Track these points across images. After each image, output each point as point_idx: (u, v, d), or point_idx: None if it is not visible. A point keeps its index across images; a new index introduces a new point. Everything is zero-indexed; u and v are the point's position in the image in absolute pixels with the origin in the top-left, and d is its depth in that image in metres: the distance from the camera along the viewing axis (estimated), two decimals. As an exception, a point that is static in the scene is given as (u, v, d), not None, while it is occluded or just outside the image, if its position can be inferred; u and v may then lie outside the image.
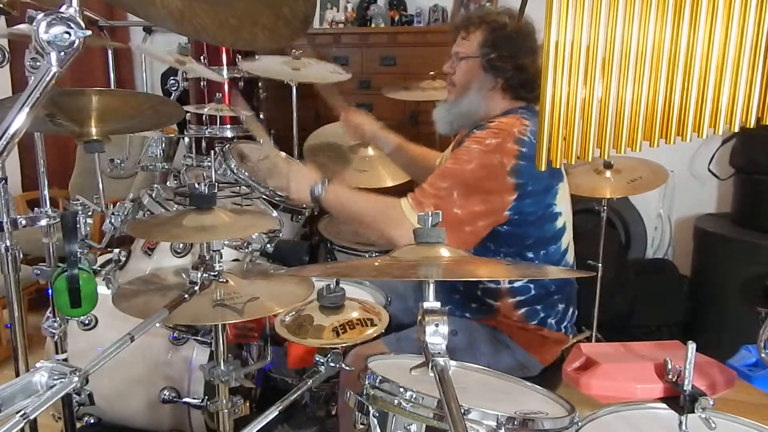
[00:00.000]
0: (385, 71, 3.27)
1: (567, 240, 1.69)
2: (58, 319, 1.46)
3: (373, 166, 2.49)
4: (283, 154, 1.87)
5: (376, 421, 1.04)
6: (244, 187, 2.05)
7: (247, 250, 1.71)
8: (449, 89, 1.76)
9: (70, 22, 0.72)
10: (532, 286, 1.64)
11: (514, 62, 1.62)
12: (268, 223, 1.43)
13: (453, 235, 1.49)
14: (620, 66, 0.83)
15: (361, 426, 1.07)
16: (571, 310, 1.73)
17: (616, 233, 3.10)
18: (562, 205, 1.65)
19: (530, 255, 1.63)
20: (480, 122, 1.67)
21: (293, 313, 1.36)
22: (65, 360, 1.48)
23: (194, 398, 1.79)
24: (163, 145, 2.53)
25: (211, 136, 3.02)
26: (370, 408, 1.05)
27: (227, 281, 1.27)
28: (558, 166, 0.87)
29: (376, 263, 1.04)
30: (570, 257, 1.71)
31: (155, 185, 2.00)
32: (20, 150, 3.40)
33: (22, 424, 0.82)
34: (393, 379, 1.04)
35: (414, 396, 1.01)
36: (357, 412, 1.08)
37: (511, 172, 1.53)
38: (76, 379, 0.89)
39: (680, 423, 1.00)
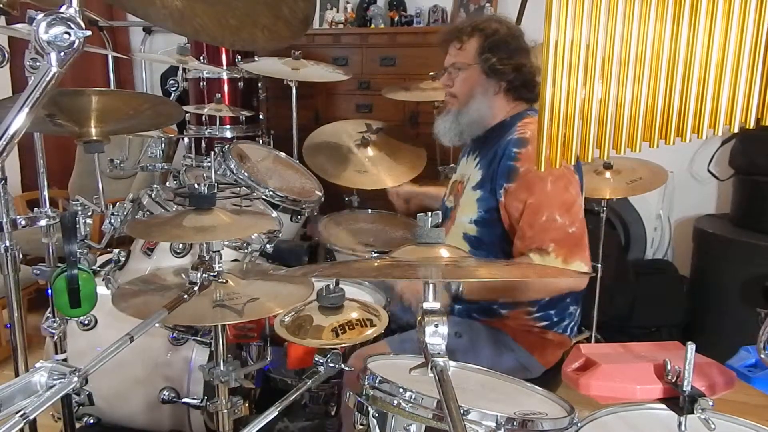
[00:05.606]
0: (384, 72, 3.27)
1: None
2: (57, 319, 1.46)
3: (372, 167, 2.49)
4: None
5: (375, 421, 1.04)
6: (244, 187, 2.05)
7: (246, 251, 1.71)
8: (449, 102, 1.76)
9: (70, 23, 0.72)
10: None
11: (513, 64, 1.64)
12: (267, 224, 1.42)
13: (580, 252, 1.53)
14: (620, 66, 0.83)
15: (361, 426, 1.06)
16: (578, 312, 1.74)
17: (616, 234, 3.10)
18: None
19: None
20: (487, 127, 1.69)
21: (293, 313, 1.36)
22: (65, 360, 1.48)
23: (194, 398, 1.79)
24: (163, 145, 2.54)
25: (211, 136, 3.03)
26: (370, 408, 1.05)
27: (227, 282, 1.27)
28: (557, 167, 0.87)
29: (376, 263, 1.04)
30: None
31: (155, 185, 1.99)
32: (20, 150, 3.39)
33: (21, 424, 0.82)
34: (392, 379, 1.04)
35: (413, 396, 1.00)
36: (356, 413, 1.07)
37: (575, 170, 1.58)
38: (75, 379, 0.88)
39: (679, 424, 1.00)
